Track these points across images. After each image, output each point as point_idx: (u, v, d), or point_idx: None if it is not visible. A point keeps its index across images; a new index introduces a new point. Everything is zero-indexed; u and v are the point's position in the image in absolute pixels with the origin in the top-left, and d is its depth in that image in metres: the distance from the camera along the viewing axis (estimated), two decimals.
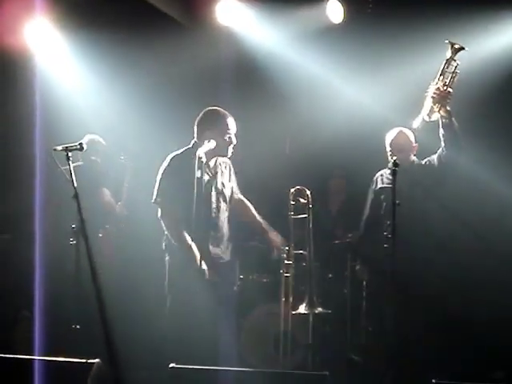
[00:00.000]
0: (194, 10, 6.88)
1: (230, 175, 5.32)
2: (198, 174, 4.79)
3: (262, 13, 6.59)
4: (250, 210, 5.40)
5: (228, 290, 5.22)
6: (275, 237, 5.33)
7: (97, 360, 4.15)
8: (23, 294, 6.08)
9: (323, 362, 6.10)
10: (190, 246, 4.91)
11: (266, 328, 6.05)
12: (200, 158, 4.85)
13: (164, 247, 5.16)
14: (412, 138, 5.54)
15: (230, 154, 5.18)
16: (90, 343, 4.73)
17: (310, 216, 5.41)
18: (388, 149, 5.53)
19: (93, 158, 6.36)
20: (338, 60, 6.52)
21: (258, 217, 5.38)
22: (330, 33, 6.59)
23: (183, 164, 5.00)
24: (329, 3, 6.57)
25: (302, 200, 5.43)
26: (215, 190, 5.18)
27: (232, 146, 5.16)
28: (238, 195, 5.38)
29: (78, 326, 4.90)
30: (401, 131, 5.56)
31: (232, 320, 5.35)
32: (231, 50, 6.91)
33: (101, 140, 6.49)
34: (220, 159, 5.25)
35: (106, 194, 6.73)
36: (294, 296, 5.59)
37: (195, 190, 4.74)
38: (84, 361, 4.16)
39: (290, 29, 6.62)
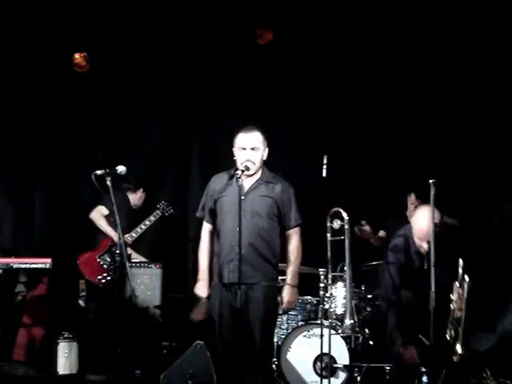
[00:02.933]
0: None
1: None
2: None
3: None
4: None
5: None
6: None
7: None
8: None
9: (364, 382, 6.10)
10: None
11: (305, 349, 6.04)
12: (238, 177, 4.95)
13: None
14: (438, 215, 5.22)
15: (243, 169, 4.99)
16: None
17: (348, 238, 5.39)
18: (417, 233, 5.25)
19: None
20: None
21: None
22: None
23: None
24: None
25: (339, 222, 5.42)
26: None
27: (244, 160, 5.01)
28: None
29: None
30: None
31: None
32: None
33: None
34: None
35: (98, 210, 6.86)
36: (334, 317, 5.60)
37: None
38: None
39: None
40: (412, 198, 7.12)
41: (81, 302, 6.77)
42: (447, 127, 7.00)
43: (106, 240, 6.94)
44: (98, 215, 6.93)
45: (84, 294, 6.79)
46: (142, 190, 7.26)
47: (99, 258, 6.88)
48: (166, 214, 7.15)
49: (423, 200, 6.75)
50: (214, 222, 5.16)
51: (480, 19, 6.56)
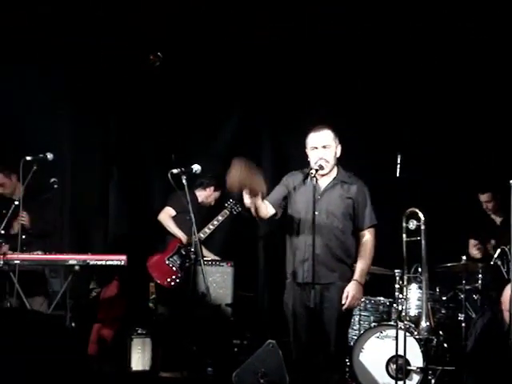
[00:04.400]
0: None
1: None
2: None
3: None
4: None
5: None
6: None
7: None
8: None
9: None
10: None
11: (378, 350, 5.99)
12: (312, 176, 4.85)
13: None
14: None
15: (318, 168, 4.86)
16: None
17: (424, 238, 5.32)
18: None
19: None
20: None
21: None
22: None
23: None
24: None
25: (415, 222, 5.34)
26: None
27: (317, 159, 4.90)
28: None
29: None
30: None
31: None
32: None
33: None
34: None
35: (165, 211, 6.89)
36: (408, 318, 5.51)
37: None
38: None
39: None
40: (484, 196, 6.96)
41: (151, 305, 6.82)
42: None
43: (174, 241, 6.93)
44: (166, 216, 6.93)
45: (154, 296, 6.84)
46: (213, 188, 7.17)
47: (168, 259, 6.87)
48: (234, 213, 7.10)
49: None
50: (281, 213, 5.09)
51: (480, 19, 6.49)
